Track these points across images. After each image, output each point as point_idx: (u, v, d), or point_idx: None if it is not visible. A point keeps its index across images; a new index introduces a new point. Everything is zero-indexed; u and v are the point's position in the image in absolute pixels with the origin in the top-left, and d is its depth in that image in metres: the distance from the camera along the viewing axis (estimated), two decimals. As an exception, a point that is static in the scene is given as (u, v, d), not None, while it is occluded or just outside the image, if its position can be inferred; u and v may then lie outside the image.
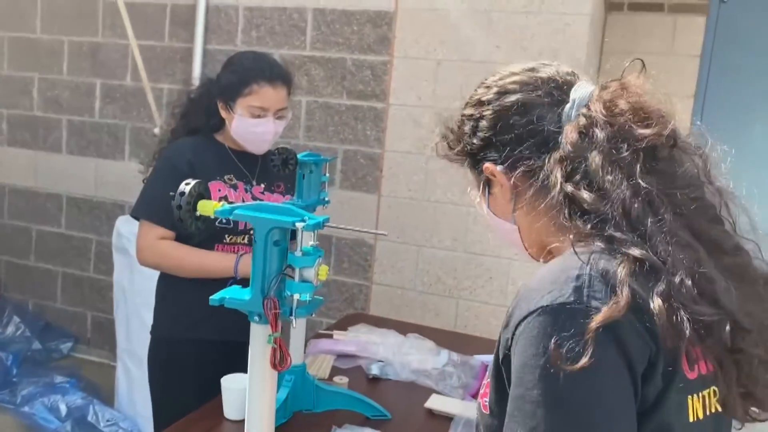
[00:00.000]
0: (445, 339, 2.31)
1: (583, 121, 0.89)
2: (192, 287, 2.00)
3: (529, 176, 0.94)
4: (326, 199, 1.78)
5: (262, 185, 2.08)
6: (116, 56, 3.65)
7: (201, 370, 2.01)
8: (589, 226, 0.85)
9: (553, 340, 0.72)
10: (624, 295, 0.73)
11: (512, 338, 0.79)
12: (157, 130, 3.26)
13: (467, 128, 1.00)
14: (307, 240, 0.86)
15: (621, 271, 0.76)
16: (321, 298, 0.90)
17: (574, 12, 2.82)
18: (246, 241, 2.04)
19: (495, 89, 0.99)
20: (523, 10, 2.88)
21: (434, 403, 1.89)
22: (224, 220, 1.96)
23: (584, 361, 0.70)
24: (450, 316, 3.06)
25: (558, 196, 0.87)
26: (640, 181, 0.83)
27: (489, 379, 0.89)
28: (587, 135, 0.88)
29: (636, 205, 0.82)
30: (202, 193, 0.94)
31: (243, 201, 2.00)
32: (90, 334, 3.90)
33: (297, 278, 0.86)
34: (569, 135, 0.89)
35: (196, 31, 3.39)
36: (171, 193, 0.95)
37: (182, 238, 2.01)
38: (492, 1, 2.92)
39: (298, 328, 1.83)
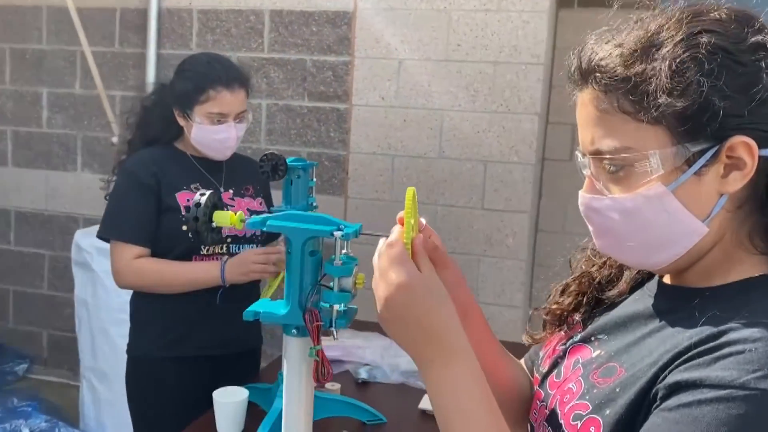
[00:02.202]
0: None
1: None
2: (170, 305, 1.94)
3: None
4: (314, 204, 1.76)
5: (231, 190, 2.03)
6: (63, 63, 3.51)
7: (183, 387, 1.95)
8: None
9: None
10: None
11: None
12: (115, 139, 3.16)
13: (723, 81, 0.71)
14: (341, 249, 0.84)
15: None
16: (356, 306, 0.88)
17: (531, 9, 2.87)
18: (225, 250, 1.98)
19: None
20: (483, 8, 2.91)
21: (428, 403, 1.88)
22: None
23: None
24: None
25: None
26: None
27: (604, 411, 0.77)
28: None
29: None
30: (216, 204, 0.91)
31: (215, 209, 1.95)
32: (47, 354, 3.74)
33: (336, 288, 0.84)
34: None
35: (149, 35, 3.29)
36: (184, 205, 0.91)
37: (158, 253, 1.94)
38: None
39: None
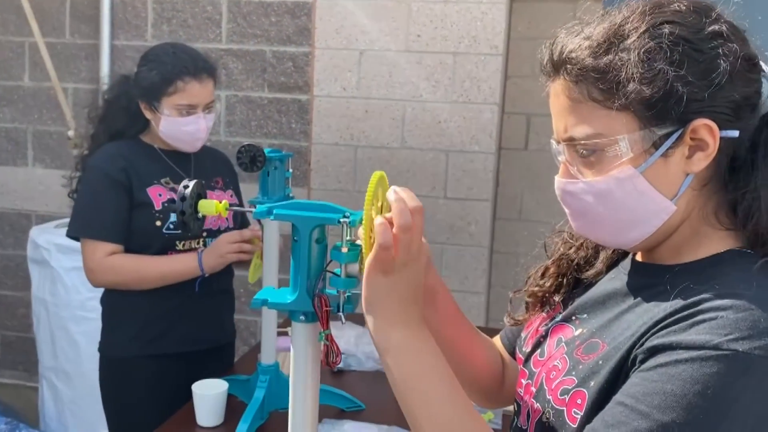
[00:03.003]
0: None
1: None
2: (145, 302, 1.91)
3: (729, 145, 0.80)
4: (291, 195, 1.76)
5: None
6: (11, 55, 3.39)
7: (161, 385, 1.93)
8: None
9: None
10: None
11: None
12: (71, 133, 3.07)
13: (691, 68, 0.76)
14: (346, 235, 0.86)
15: None
16: (359, 292, 0.90)
17: (489, 0, 2.92)
18: (201, 245, 1.96)
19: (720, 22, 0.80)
20: (442, -2, 2.94)
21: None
22: (172, 226, 1.88)
23: None
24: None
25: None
26: None
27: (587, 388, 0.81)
28: None
29: None
30: (201, 193, 0.92)
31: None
32: (0, 356, 3.62)
33: (343, 274, 0.86)
34: None
35: (102, 26, 3.21)
36: (168, 198, 0.92)
37: (132, 251, 1.90)
38: (412, -10, 2.96)
39: (269, 326, 1.80)
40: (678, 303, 0.77)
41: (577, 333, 0.91)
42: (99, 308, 2.03)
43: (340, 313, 0.86)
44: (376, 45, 3.00)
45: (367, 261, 0.81)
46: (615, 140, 0.79)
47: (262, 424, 1.71)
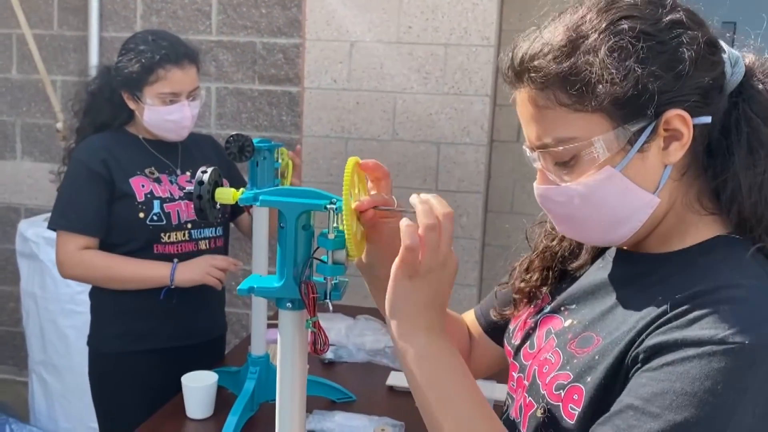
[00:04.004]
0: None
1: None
2: (134, 298, 1.88)
3: (702, 131, 0.80)
4: (279, 185, 1.75)
5: (188, 173, 1.98)
6: (-2, 47, 3.36)
7: (151, 379, 1.91)
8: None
9: None
10: None
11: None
12: (60, 126, 3.04)
13: (654, 62, 0.76)
14: (333, 222, 0.85)
15: None
16: (347, 279, 0.89)
17: (481, -9, 2.90)
18: (186, 237, 1.93)
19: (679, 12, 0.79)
20: (433, -10, 2.92)
21: (395, 380, 1.92)
22: (155, 217, 1.86)
23: None
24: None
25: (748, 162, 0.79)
26: None
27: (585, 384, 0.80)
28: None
29: None
30: (218, 181, 0.90)
31: (171, 194, 1.91)
32: (-11, 350, 3.60)
33: (330, 261, 0.85)
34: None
35: (90, 17, 3.18)
36: (189, 182, 0.89)
37: (115, 243, 1.88)
38: (402, -19, 2.95)
39: (259, 317, 1.80)
40: (675, 297, 0.76)
41: (567, 324, 0.90)
42: (88, 302, 2.02)
43: (327, 300, 0.85)
44: (366, 37, 2.99)
45: (394, 264, 0.80)
46: (590, 143, 0.78)
47: (252, 415, 1.71)
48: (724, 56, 0.81)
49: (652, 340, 0.75)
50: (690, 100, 0.77)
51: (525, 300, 1.03)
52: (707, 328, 0.71)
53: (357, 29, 2.99)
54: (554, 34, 0.80)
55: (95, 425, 2.01)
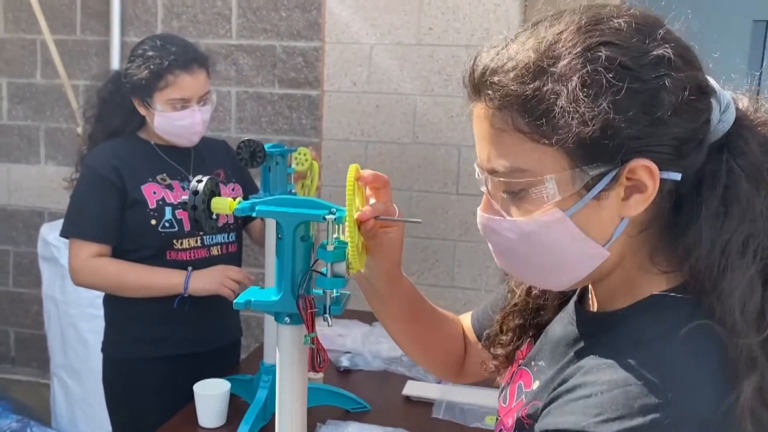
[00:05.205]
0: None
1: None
2: (148, 304, 1.87)
3: (672, 188, 0.71)
4: (293, 191, 1.72)
5: None
6: (23, 53, 3.39)
7: (165, 385, 1.90)
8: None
9: None
10: None
11: None
12: (80, 130, 3.06)
13: (629, 104, 0.66)
14: (333, 233, 0.82)
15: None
16: (348, 292, 0.85)
17: (503, -9, 2.85)
18: (199, 243, 1.91)
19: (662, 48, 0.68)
20: (454, -10, 2.88)
21: (411, 389, 1.88)
22: (167, 224, 1.85)
23: None
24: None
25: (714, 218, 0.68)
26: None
27: None
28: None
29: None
30: (214, 190, 0.87)
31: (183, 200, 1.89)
32: (14, 353, 3.64)
33: (329, 273, 0.82)
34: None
35: (112, 22, 3.19)
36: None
37: (127, 250, 1.87)
38: (423, -18, 2.91)
39: (272, 325, 1.77)
40: (572, 369, 0.72)
41: (534, 386, 0.84)
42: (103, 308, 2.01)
43: (327, 315, 0.82)
44: (386, 39, 2.96)
45: None
46: (542, 180, 0.69)
47: (264, 425, 1.68)
48: (713, 101, 0.71)
49: (540, 424, 0.72)
50: (661, 151, 0.68)
51: (506, 363, 0.96)
52: (576, 413, 0.67)
53: (377, 32, 2.96)
54: (523, 48, 0.70)
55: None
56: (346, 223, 0.78)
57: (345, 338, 2.11)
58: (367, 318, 2.26)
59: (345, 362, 2.04)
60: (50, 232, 2.91)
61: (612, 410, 0.63)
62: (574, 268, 0.74)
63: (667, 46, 0.68)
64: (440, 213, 2.98)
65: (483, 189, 0.77)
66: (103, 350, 1.98)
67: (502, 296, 1.01)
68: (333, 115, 3.05)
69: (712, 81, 0.72)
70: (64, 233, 1.88)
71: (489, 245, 0.80)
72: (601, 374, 0.67)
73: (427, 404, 1.81)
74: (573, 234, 0.71)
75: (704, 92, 0.70)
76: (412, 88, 2.94)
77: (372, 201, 0.90)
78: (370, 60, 2.99)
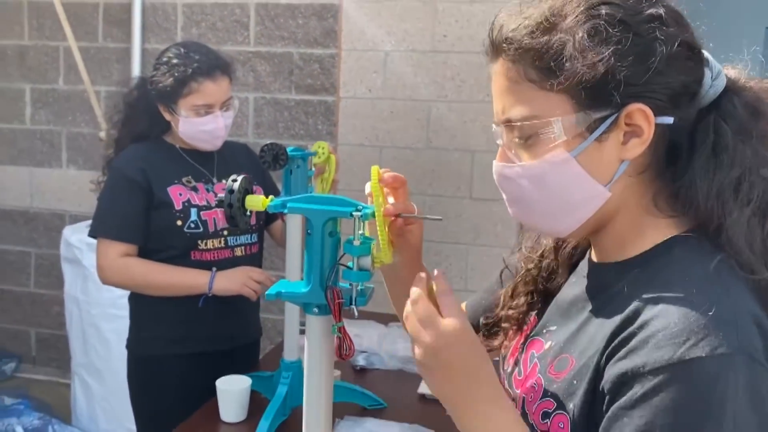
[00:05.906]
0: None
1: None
2: (172, 302, 1.92)
3: (666, 132, 0.79)
4: (316, 186, 1.77)
5: (224, 181, 1.99)
6: (46, 59, 3.48)
7: (188, 382, 1.94)
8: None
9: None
10: None
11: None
12: (102, 134, 3.13)
13: (628, 51, 0.75)
14: (359, 229, 0.87)
15: None
16: (372, 285, 0.90)
17: None
18: (222, 244, 1.97)
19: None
20: (468, -1, 2.94)
21: (427, 387, 1.92)
22: (192, 225, 1.91)
23: None
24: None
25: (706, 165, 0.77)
26: None
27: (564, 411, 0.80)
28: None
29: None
30: (248, 189, 0.93)
31: (207, 202, 1.95)
32: (35, 352, 3.71)
33: (355, 267, 0.87)
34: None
35: (133, 30, 3.27)
36: (222, 191, 0.92)
37: (152, 250, 1.93)
38: (437, -9, 2.96)
39: (292, 323, 1.82)
40: (626, 312, 0.75)
41: (547, 346, 0.89)
42: (128, 306, 2.07)
43: (353, 306, 0.87)
44: (401, 46, 3.01)
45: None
46: (549, 122, 0.77)
47: (284, 420, 1.73)
48: (707, 69, 0.79)
49: (613, 369, 0.73)
50: (656, 98, 0.76)
51: (514, 327, 1.01)
52: (663, 346, 0.69)
53: (392, 39, 3.02)
54: (536, 10, 0.80)
55: (134, 427, 2.06)
56: (376, 220, 0.83)
57: (361, 338, 2.16)
58: (383, 319, 2.30)
59: (361, 361, 2.08)
60: (72, 234, 2.98)
61: (695, 333, 0.69)
62: (580, 208, 0.81)
63: (659, 6, 0.78)
64: (453, 217, 3.02)
65: (498, 142, 0.85)
66: (127, 347, 2.04)
67: (497, 282, 1.08)
68: (348, 121, 3.11)
69: (705, 53, 0.81)
70: (93, 233, 1.94)
71: (503, 195, 0.87)
72: (664, 307, 0.72)
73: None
74: (577, 173, 0.78)
75: (694, 51, 0.79)
76: (426, 94, 3.00)
77: (390, 200, 0.95)
78: (385, 66, 3.05)
